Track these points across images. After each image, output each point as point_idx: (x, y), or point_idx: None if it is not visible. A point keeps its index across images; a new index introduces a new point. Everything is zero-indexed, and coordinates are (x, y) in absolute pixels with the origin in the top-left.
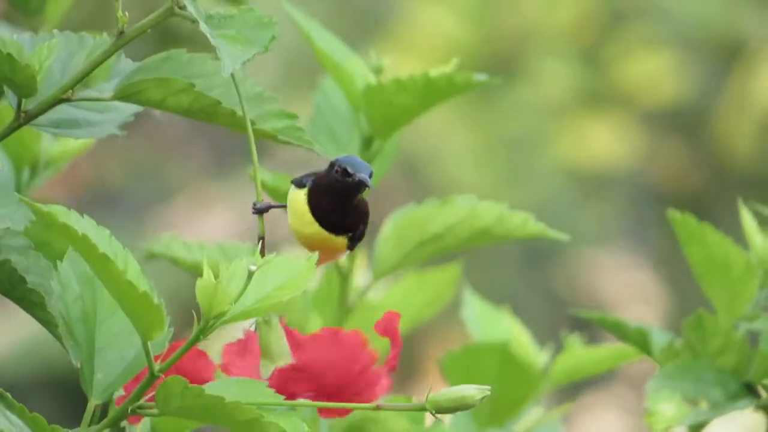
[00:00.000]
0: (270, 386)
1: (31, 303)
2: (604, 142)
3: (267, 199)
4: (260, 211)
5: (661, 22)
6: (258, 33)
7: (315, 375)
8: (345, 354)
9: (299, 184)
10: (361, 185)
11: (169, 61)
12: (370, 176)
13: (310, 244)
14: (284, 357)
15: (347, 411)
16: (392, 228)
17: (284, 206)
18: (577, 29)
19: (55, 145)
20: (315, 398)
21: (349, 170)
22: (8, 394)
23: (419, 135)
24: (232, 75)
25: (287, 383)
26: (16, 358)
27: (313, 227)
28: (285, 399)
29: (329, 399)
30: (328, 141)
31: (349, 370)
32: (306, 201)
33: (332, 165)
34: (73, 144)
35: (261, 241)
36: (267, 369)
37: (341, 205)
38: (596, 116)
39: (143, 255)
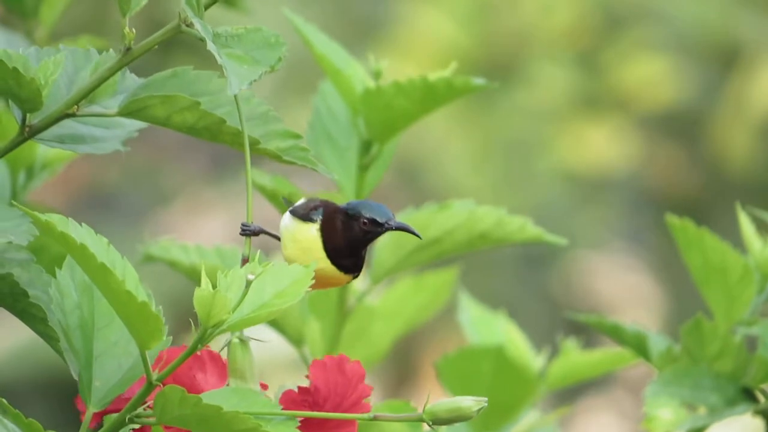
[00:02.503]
0: None
1: (33, 317)
2: (602, 146)
3: (259, 223)
4: (248, 234)
5: (658, 26)
6: (265, 54)
7: (318, 401)
8: (347, 383)
9: (304, 216)
10: (398, 229)
11: (174, 78)
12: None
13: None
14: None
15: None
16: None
17: (277, 237)
18: (574, 33)
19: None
20: (305, 424)
21: (379, 220)
22: (3, 400)
23: (418, 139)
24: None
25: (293, 406)
26: (13, 363)
27: (324, 263)
28: None
29: (319, 426)
30: (327, 146)
31: (346, 399)
32: (319, 238)
33: (349, 215)
34: None
35: (245, 263)
36: None
37: (360, 251)
38: (594, 120)
39: (141, 258)
